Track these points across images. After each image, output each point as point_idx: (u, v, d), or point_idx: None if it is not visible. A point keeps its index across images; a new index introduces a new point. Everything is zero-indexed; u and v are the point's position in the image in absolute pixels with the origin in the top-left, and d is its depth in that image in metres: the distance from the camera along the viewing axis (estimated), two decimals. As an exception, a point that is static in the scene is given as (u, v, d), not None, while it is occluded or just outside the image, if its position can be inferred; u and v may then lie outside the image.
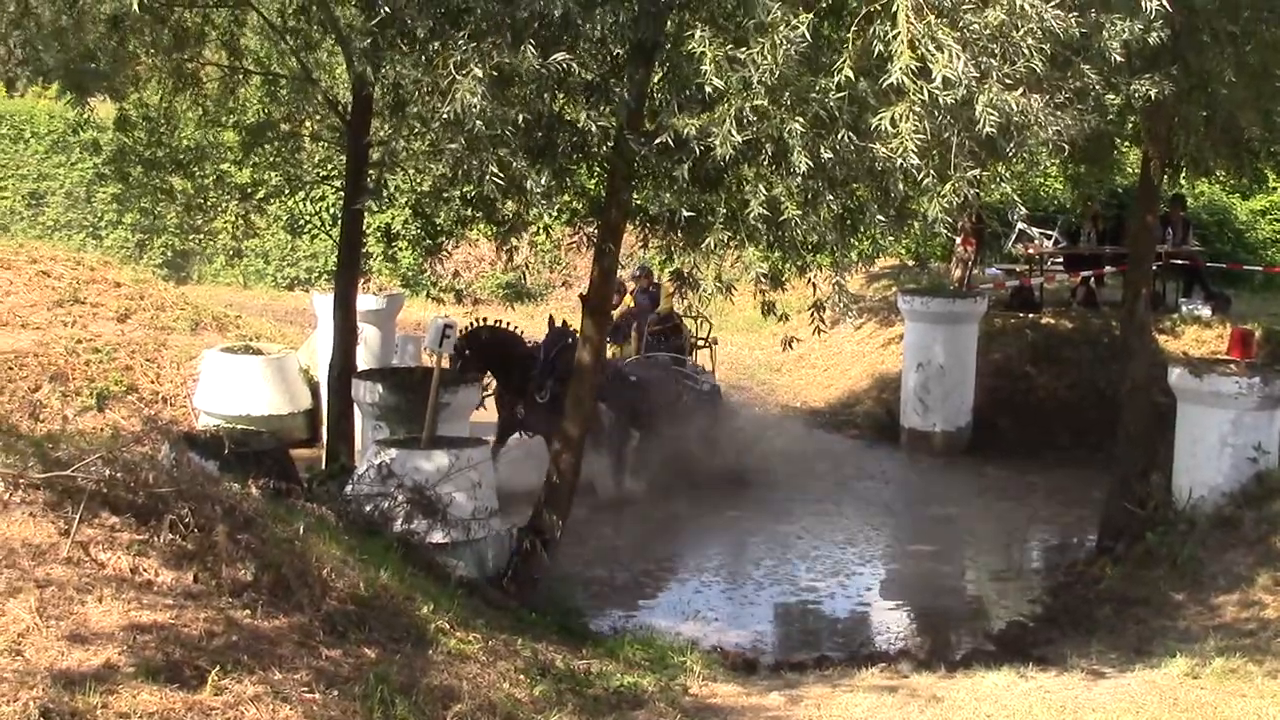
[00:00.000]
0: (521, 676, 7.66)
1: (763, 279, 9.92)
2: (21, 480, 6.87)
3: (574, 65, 8.21)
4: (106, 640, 5.91)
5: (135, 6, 7.51)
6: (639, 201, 10.72)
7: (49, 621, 5.91)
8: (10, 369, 17.23)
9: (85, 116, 13.00)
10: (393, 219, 22.12)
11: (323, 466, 13.77)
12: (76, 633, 5.91)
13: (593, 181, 11.78)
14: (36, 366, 17.34)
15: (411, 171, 13.83)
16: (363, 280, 15.87)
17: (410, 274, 26.82)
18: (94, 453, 7.28)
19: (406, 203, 16.95)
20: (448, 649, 7.56)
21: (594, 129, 8.73)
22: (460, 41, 8.23)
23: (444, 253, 14.84)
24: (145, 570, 6.66)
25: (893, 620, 13.27)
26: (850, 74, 7.66)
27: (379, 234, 20.31)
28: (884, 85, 7.43)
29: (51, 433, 7.85)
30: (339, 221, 16.03)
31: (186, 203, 15.78)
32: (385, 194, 13.91)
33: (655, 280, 18.65)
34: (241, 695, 5.82)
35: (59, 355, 17.62)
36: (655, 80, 10.04)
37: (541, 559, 11.44)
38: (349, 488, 11.10)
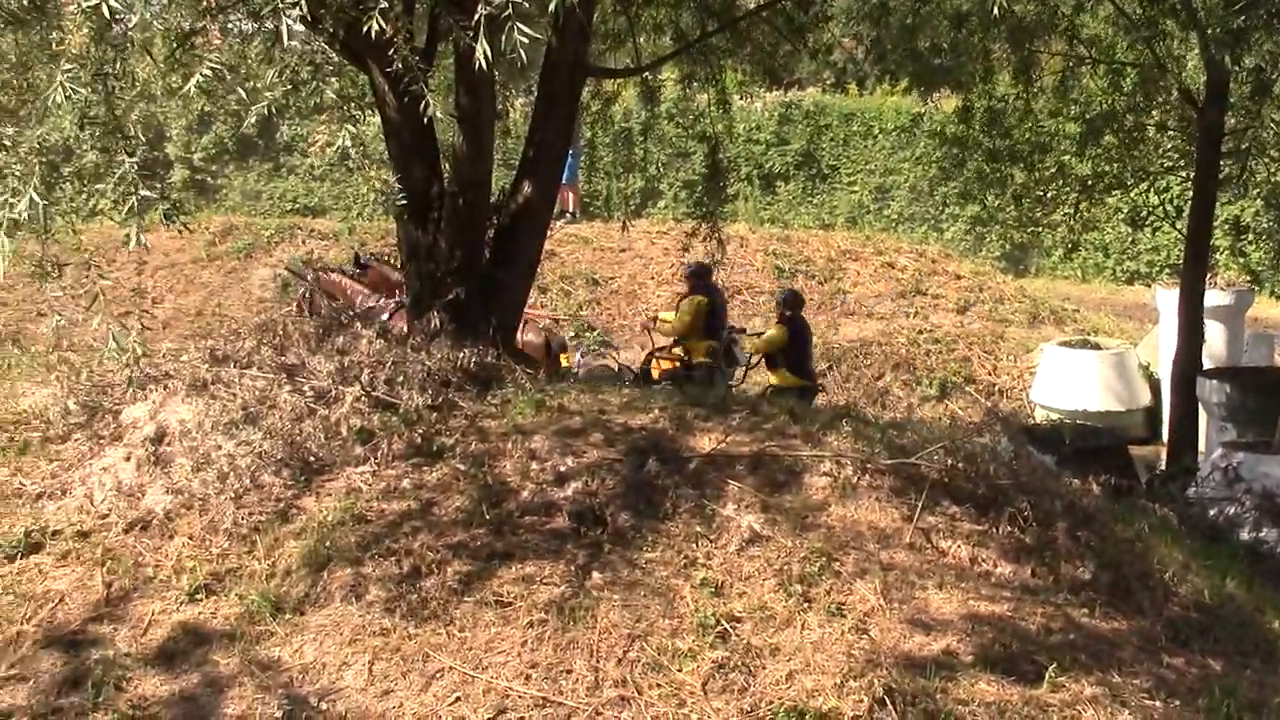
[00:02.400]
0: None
1: None
2: (869, 465, 7.15)
3: None
4: (946, 627, 6.02)
5: (995, 9, 7.53)
6: None
7: (892, 604, 6.10)
8: (857, 356, 18.15)
9: (926, 111, 13.40)
10: (1242, 211, 21.04)
11: (1162, 466, 13.36)
12: (917, 617, 6.06)
13: None
14: (880, 355, 18.16)
15: (1267, 160, 13.10)
16: (1209, 275, 15.18)
17: (1260, 269, 25.35)
18: (936, 441, 7.44)
19: (1259, 194, 16.03)
20: (1301, 667, 7.04)
21: None
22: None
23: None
24: (983, 561, 6.71)
25: None
26: None
27: (1227, 227, 19.40)
28: None
29: (896, 420, 8.10)
30: (1183, 214, 15.44)
31: (1023, 194, 15.81)
32: (1239, 185, 13.24)
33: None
34: (1079, 695, 5.72)
35: (901, 345, 18.34)
36: None
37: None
38: (1191, 490, 10.67)
